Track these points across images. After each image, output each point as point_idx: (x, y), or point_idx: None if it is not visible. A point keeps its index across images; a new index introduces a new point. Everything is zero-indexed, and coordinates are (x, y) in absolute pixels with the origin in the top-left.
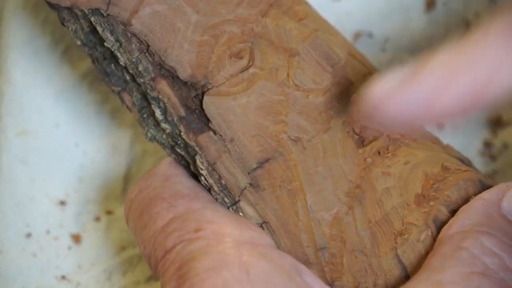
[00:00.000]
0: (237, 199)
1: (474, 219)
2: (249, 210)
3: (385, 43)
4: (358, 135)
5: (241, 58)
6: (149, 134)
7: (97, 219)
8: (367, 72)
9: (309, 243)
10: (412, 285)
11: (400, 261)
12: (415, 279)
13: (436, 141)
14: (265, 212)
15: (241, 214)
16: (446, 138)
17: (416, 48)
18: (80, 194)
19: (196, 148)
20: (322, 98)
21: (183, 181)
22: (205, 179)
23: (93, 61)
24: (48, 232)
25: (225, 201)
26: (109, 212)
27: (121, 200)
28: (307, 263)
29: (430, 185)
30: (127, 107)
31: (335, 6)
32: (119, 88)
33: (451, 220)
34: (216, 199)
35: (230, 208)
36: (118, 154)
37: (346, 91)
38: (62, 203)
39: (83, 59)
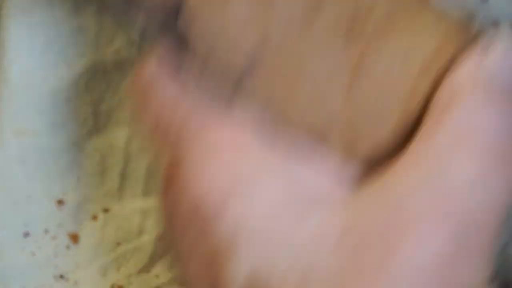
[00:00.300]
0: None
1: (461, 80)
2: None
3: None
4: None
5: None
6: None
7: (94, 217)
8: None
9: None
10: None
11: None
12: (410, 147)
13: None
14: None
15: None
16: None
17: None
18: (78, 193)
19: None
20: None
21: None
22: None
23: None
24: (46, 231)
25: None
26: (105, 210)
27: (118, 197)
28: None
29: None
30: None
31: None
32: None
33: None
34: None
35: None
36: (115, 152)
37: None
38: (60, 202)
39: (79, 59)
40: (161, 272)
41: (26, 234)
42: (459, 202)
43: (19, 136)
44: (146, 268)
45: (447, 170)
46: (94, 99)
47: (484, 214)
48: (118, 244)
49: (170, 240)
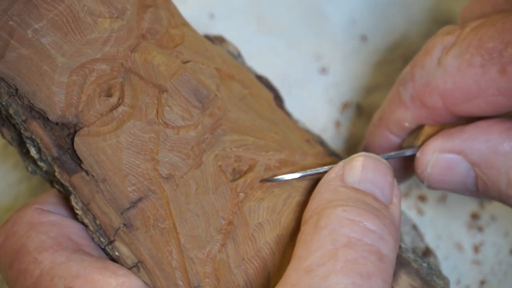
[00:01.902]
0: (112, 238)
1: (323, 198)
2: (124, 249)
3: (372, 114)
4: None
5: (110, 95)
6: (29, 168)
7: None
8: (246, 93)
9: (184, 281)
10: (283, 281)
11: None
12: (286, 274)
13: (316, 153)
14: (139, 252)
15: (117, 253)
16: (429, 211)
17: None
18: None
19: (70, 189)
20: (193, 132)
21: (47, 230)
22: (81, 218)
23: None
24: None
25: (101, 241)
26: None
27: None
28: None
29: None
30: (8, 141)
31: (323, 79)
32: None
33: (305, 210)
34: (93, 238)
35: (106, 248)
36: None
37: (219, 122)
38: None
39: None
40: None
41: None
42: None
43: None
44: None
45: (322, 286)
46: None
47: None
48: None
49: None
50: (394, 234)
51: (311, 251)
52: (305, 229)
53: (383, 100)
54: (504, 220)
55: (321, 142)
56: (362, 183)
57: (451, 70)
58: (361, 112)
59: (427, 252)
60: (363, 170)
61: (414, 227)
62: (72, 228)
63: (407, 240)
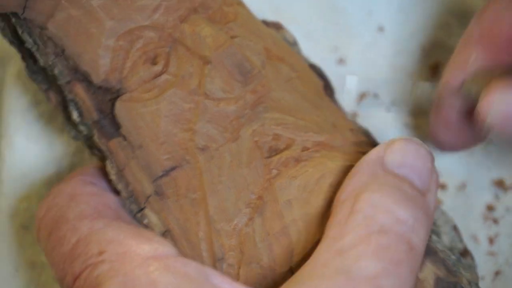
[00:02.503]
0: (142, 206)
1: (361, 181)
2: (153, 218)
3: (391, 105)
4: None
5: (155, 64)
6: (72, 133)
7: None
8: (294, 76)
9: (208, 253)
10: (313, 259)
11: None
12: (316, 253)
13: (357, 141)
14: (168, 221)
15: (146, 221)
16: (448, 201)
17: (421, 112)
18: None
19: (107, 153)
20: (234, 106)
21: (88, 199)
22: (114, 184)
23: (22, 58)
24: None
25: (132, 208)
26: None
27: None
28: None
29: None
30: (54, 106)
31: (340, 70)
32: (46, 87)
33: (340, 189)
34: (124, 205)
35: (136, 215)
36: None
37: (261, 99)
38: None
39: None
40: None
41: None
42: None
43: (23, 202)
44: None
45: (353, 267)
46: (99, 165)
47: None
48: None
49: None
50: (426, 225)
51: (345, 234)
52: (340, 211)
53: (401, 90)
54: None
55: (367, 134)
56: (402, 168)
57: None
58: (379, 103)
59: (464, 253)
60: (404, 155)
61: (455, 228)
62: (112, 199)
63: (446, 240)
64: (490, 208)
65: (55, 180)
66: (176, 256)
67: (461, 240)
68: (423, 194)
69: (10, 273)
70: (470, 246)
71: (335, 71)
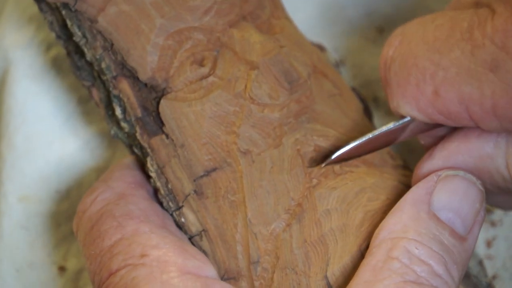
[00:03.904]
0: (181, 204)
1: (401, 224)
2: (191, 216)
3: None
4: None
5: (203, 65)
6: (112, 131)
7: None
8: (337, 93)
9: (244, 255)
10: None
11: (328, 284)
12: None
13: (395, 165)
14: (205, 220)
15: (183, 220)
16: None
17: None
18: (80, 260)
19: (148, 150)
20: (278, 113)
21: (137, 201)
22: (154, 181)
23: (67, 54)
24: None
25: (170, 206)
26: None
27: None
28: (239, 275)
29: None
30: (96, 102)
31: (339, 71)
32: (89, 83)
33: (379, 226)
34: (162, 203)
35: (174, 213)
36: None
37: (304, 110)
38: (62, 268)
39: (85, 127)
40: None
41: None
42: None
43: (23, 202)
44: None
45: None
46: (99, 167)
47: None
48: None
49: None
50: (460, 272)
51: (380, 279)
52: (377, 253)
53: None
54: None
55: (404, 160)
56: (446, 212)
57: None
58: (378, 105)
59: None
60: (451, 195)
61: (480, 263)
62: (160, 208)
63: (471, 274)
64: (488, 210)
65: (55, 180)
66: (216, 278)
67: (485, 275)
68: (463, 239)
69: (10, 274)
70: None
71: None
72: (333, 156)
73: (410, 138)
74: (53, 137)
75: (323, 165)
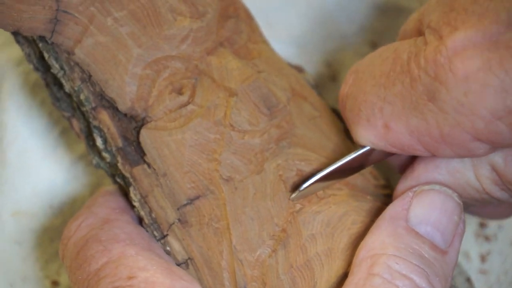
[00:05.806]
0: (165, 233)
1: (379, 242)
2: (176, 245)
3: None
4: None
5: (182, 94)
6: (94, 161)
7: None
8: (317, 115)
9: (230, 282)
10: None
11: None
12: None
13: (378, 185)
14: (190, 248)
15: (168, 248)
16: None
17: None
18: None
19: (131, 180)
20: (258, 139)
21: (122, 226)
22: (137, 210)
23: (46, 85)
24: None
25: (154, 235)
26: None
27: None
28: None
29: None
30: (76, 133)
31: (333, 86)
32: (69, 114)
33: (359, 246)
34: (147, 231)
35: (159, 242)
36: None
37: (285, 135)
38: (55, 283)
39: (78, 142)
40: None
41: None
42: None
43: (16, 217)
44: None
45: None
46: (92, 182)
47: None
48: None
49: None
50: (443, 284)
51: None
52: (357, 273)
53: None
54: (510, 229)
55: (387, 179)
56: (425, 226)
57: None
58: None
59: None
60: (429, 210)
61: (468, 280)
62: (145, 231)
63: None
64: (482, 225)
65: (48, 196)
66: None
67: None
68: (444, 252)
69: None
70: (462, 264)
71: (328, 87)
72: (301, 188)
73: (380, 161)
74: (46, 152)
75: (291, 197)
